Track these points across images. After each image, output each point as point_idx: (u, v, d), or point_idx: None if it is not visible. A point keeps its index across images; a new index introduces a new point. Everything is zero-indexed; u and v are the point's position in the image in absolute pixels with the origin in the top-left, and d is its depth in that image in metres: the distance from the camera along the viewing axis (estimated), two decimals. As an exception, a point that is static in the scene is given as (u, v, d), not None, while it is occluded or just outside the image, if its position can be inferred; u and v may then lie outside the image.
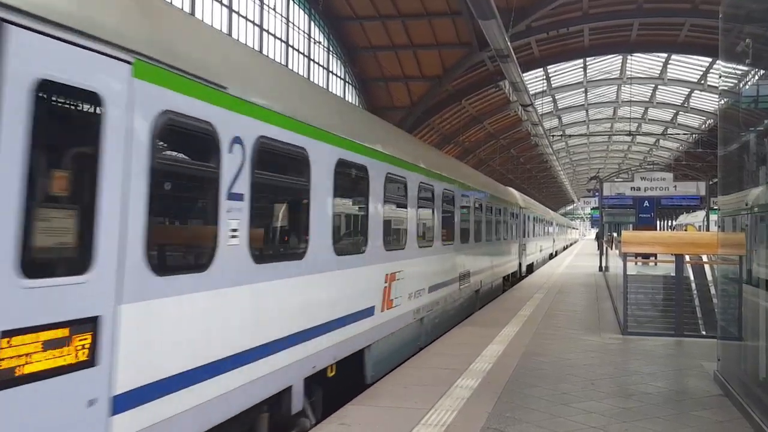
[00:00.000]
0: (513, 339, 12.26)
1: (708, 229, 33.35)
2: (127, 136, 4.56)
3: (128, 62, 4.59)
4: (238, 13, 26.34)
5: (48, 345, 3.97)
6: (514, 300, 18.91)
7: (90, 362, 4.27)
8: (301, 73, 30.91)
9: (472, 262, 17.00)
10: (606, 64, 47.21)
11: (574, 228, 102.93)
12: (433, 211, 12.86)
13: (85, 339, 4.25)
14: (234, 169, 5.83)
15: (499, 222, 21.73)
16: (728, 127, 9.71)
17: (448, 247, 14.19)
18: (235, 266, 5.89)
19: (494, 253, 20.70)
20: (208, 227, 5.69)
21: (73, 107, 4.39)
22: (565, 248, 65.64)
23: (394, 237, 10.84)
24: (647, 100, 54.78)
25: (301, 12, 32.15)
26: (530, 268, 31.98)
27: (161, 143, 5.02)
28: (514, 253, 26.06)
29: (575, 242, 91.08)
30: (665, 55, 43.47)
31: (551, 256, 47.40)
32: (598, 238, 48.39)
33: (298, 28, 31.82)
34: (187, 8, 22.40)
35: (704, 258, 16.17)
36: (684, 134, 60.58)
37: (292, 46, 31.08)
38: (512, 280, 25.66)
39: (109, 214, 4.43)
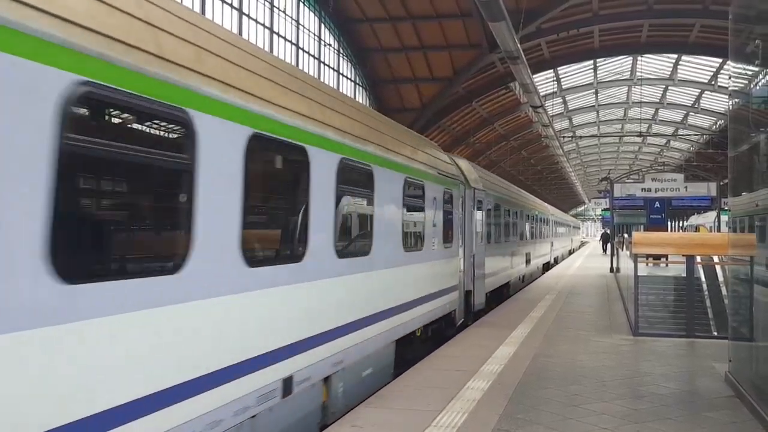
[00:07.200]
0: (524, 340, 12.28)
1: (719, 230, 33.22)
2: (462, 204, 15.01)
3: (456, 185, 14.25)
4: (248, 15, 26.44)
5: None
6: (526, 301, 18.91)
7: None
8: (311, 75, 30.89)
9: (532, 252, 28.42)
10: (616, 65, 47.10)
11: (577, 228, 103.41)
12: (526, 224, 25.25)
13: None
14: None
15: (541, 227, 32.01)
16: (738, 128, 9.70)
17: (525, 240, 25.63)
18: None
19: (539, 248, 31.38)
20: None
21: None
22: (580, 246, 78.68)
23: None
24: (658, 101, 54.59)
25: (311, 14, 32.23)
26: (556, 260, 42.64)
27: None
28: (549, 249, 37.21)
29: (586, 244, 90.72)
30: (676, 55, 43.35)
31: (569, 253, 57.10)
32: (604, 240, 48.29)
33: (308, 30, 31.90)
34: (197, 10, 22.44)
35: (715, 259, 16.11)
36: (695, 135, 60.36)
37: (303, 49, 31.16)
38: (546, 268, 35.78)
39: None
